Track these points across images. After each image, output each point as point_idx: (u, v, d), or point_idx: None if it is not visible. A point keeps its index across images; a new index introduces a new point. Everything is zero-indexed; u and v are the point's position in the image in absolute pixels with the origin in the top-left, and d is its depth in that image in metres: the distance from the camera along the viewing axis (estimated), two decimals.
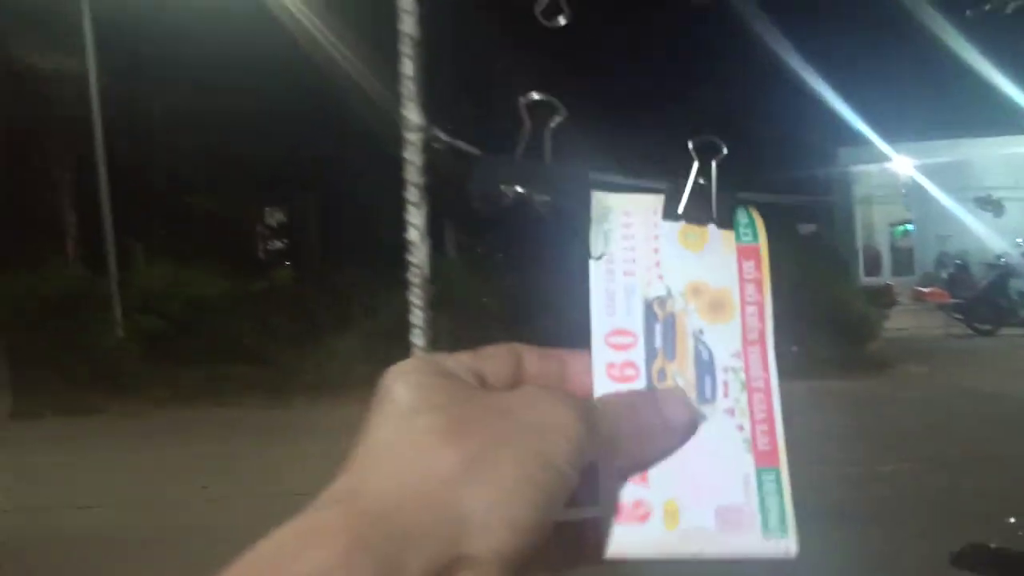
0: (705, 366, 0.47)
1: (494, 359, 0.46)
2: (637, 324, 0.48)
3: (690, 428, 0.46)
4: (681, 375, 0.47)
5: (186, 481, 6.43)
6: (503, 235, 14.42)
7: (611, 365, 0.47)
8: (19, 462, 7.42)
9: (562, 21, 0.62)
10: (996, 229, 17.05)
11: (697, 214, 0.51)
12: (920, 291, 15.74)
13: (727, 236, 0.51)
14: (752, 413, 0.46)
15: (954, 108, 14.39)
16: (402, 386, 0.41)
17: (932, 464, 5.99)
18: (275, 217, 18.59)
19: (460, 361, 0.45)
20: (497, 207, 0.60)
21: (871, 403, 9.03)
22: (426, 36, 0.88)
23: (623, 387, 0.46)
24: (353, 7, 11.28)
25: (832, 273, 12.86)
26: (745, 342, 0.48)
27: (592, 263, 0.50)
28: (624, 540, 0.44)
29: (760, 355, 0.48)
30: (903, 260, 21.85)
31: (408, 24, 0.86)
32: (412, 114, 0.84)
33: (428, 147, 0.86)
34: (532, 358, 0.48)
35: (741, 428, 0.46)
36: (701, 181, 0.52)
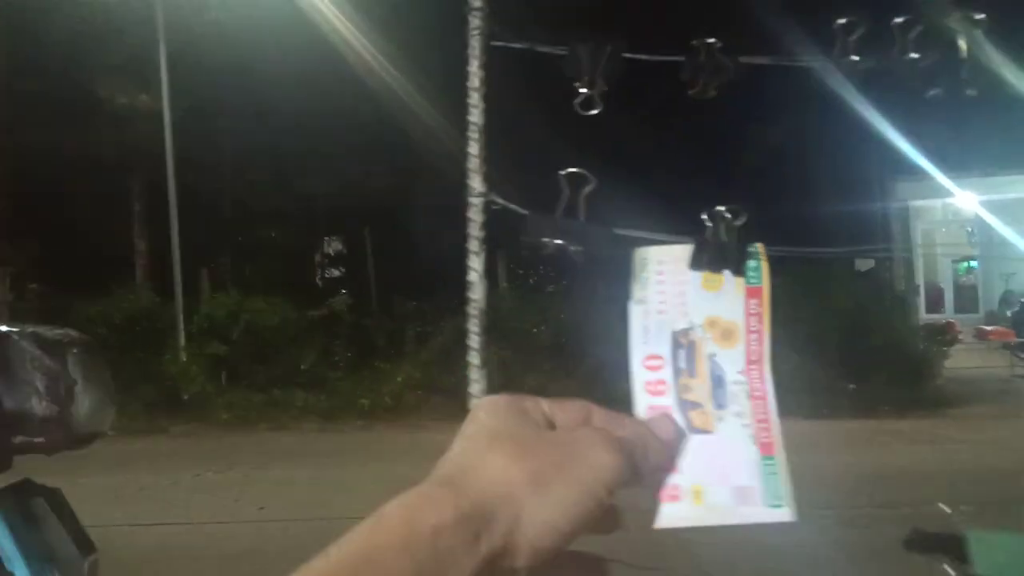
0: (718, 381, 0.62)
1: (566, 409, 0.58)
2: (666, 350, 0.63)
3: (679, 438, 0.60)
4: (701, 389, 0.62)
5: (246, 503, 6.61)
6: (554, 270, 14.65)
7: (648, 382, 0.62)
8: (74, 482, 7.67)
9: (595, 111, 0.77)
10: None
11: (717, 263, 0.67)
12: (983, 329, 15.38)
13: (738, 280, 0.66)
14: (755, 414, 0.62)
15: (1020, 142, 14.08)
16: (486, 414, 0.55)
17: (987, 512, 5.87)
18: (333, 246, 19.02)
19: (537, 403, 0.57)
20: (541, 254, 0.75)
21: (927, 442, 8.84)
22: (488, 122, 1.04)
23: (654, 400, 0.62)
24: (423, 52, 11.64)
25: (891, 309, 12.65)
26: (748, 362, 0.63)
27: (631, 305, 0.65)
28: (665, 514, 0.59)
29: (759, 372, 0.63)
30: (967, 297, 21.34)
31: (475, 115, 1.04)
32: (475, 183, 1.01)
33: (487, 208, 1.02)
34: (600, 415, 0.58)
35: (747, 426, 0.61)
36: (724, 237, 0.71)
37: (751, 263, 0.67)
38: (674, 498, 0.59)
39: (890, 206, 16.88)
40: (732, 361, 0.63)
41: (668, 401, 0.62)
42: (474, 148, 1.04)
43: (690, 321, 0.64)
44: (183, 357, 11.81)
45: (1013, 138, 14.01)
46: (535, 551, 0.50)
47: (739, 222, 0.68)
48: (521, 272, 15.71)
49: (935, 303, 20.93)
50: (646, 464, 0.56)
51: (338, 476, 7.40)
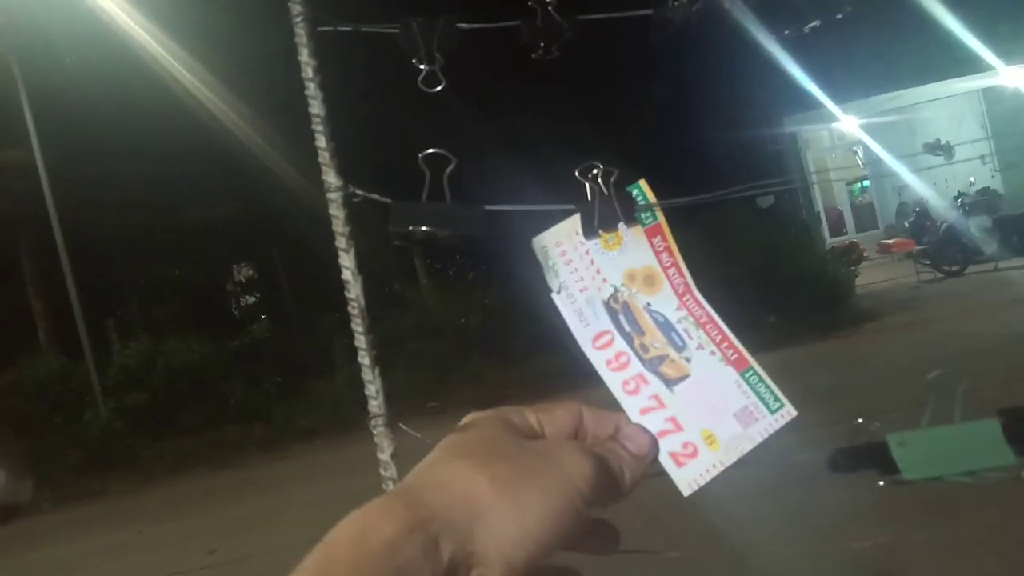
0: (666, 326, 0.62)
1: (555, 417, 0.57)
2: (606, 323, 0.63)
3: (654, 446, 0.58)
4: (656, 341, 0.62)
5: (195, 549, 6.42)
6: (470, 256, 14.60)
7: (608, 361, 0.62)
8: (21, 562, 7.37)
9: (439, 87, 0.76)
10: (949, 171, 17.36)
11: (608, 222, 0.67)
12: (885, 243, 15.99)
13: (635, 228, 0.67)
14: (712, 340, 0.62)
15: (891, 58, 14.63)
16: (464, 428, 0.54)
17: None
18: (244, 273, 18.55)
19: (522, 414, 0.56)
20: (412, 242, 0.72)
21: (854, 360, 9.16)
22: (333, 112, 1.02)
23: (623, 374, 0.61)
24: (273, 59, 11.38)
25: (797, 240, 13.03)
26: (679, 296, 0.64)
27: (555, 297, 0.65)
28: (691, 475, 0.58)
29: (693, 299, 0.64)
30: (865, 216, 22.20)
31: (315, 106, 1.02)
32: (330, 177, 0.98)
33: (348, 201, 1.00)
34: (590, 417, 0.58)
35: (713, 353, 0.61)
36: (606, 193, 0.69)
37: (641, 204, 0.67)
38: (691, 456, 0.59)
39: (780, 141, 17.37)
40: (666, 302, 0.63)
41: (636, 369, 0.61)
42: (321, 141, 1.02)
43: (612, 285, 0.64)
44: (103, 414, 11.38)
45: (886, 58, 14.55)
46: (509, 563, 0.48)
47: (612, 178, 0.66)
48: (439, 267, 15.65)
49: (837, 226, 21.72)
50: (623, 480, 0.55)
51: (287, 503, 7.25)
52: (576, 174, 0.67)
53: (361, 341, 1.02)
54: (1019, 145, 16.89)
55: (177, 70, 12.19)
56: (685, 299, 0.63)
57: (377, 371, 1.00)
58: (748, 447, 0.59)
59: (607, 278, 0.64)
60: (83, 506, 9.46)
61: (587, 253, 0.65)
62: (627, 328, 0.62)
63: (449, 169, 0.71)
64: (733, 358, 0.61)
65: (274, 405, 11.45)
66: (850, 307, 11.86)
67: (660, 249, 0.65)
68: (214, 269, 17.66)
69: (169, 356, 11.74)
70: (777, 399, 0.60)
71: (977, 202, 14.73)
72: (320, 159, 0.97)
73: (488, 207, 0.70)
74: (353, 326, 1.03)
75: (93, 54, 12.42)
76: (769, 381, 0.60)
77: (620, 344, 0.62)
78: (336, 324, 13.09)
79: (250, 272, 18.42)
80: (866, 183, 21.26)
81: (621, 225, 0.66)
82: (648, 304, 0.63)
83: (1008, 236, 13.51)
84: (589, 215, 0.65)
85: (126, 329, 13.75)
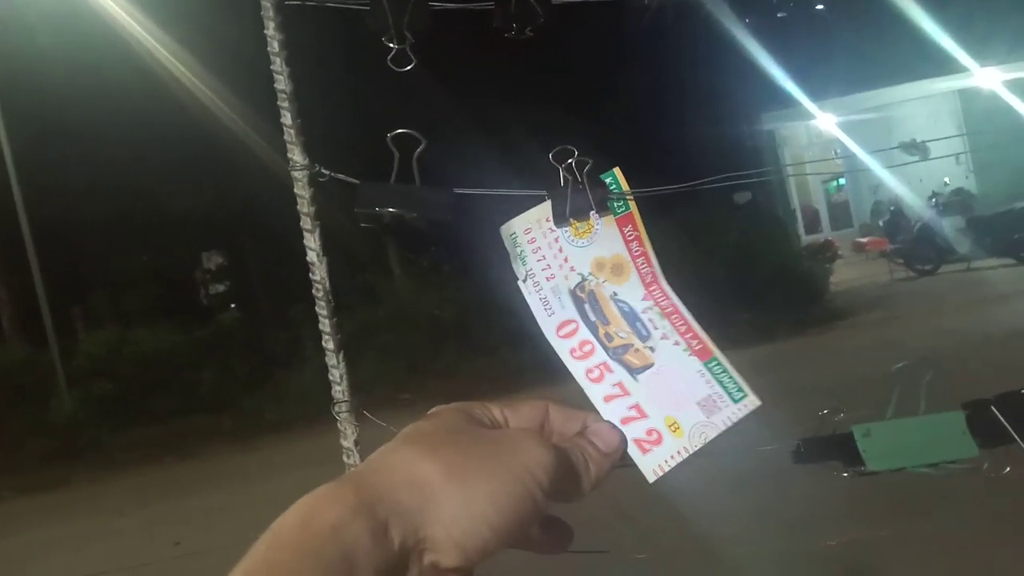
0: (631, 316, 0.61)
1: (520, 412, 0.56)
2: (571, 311, 0.62)
3: (623, 444, 0.57)
4: (621, 330, 0.61)
5: (160, 540, 6.31)
6: (444, 246, 14.45)
7: (572, 350, 0.61)
8: None
9: (410, 66, 0.72)
10: (924, 171, 17.53)
11: (579, 210, 0.64)
12: (859, 242, 16.13)
13: (606, 217, 0.65)
14: (677, 329, 0.61)
15: (868, 58, 14.72)
16: (426, 419, 0.53)
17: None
18: (213, 260, 18.31)
19: (487, 409, 0.55)
20: (380, 226, 0.67)
21: (827, 356, 9.21)
22: (299, 87, 1.02)
23: (587, 363, 0.60)
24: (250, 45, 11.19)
25: (773, 237, 13.09)
26: (646, 286, 0.63)
27: (521, 285, 0.64)
28: (655, 462, 0.58)
29: (660, 289, 0.63)
30: (841, 214, 22.37)
31: (281, 82, 1.01)
32: (296, 155, 0.95)
33: (314, 181, 0.96)
34: (557, 414, 0.56)
35: (677, 344, 0.61)
36: (579, 182, 0.66)
37: (614, 192, 0.65)
38: (656, 443, 0.58)
39: (757, 137, 17.44)
40: (633, 291, 0.63)
41: (600, 358, 0.61)
42: (287, 117, 1.00)
43: (579, 274, 0.63)
44: (68, 403, 11.19)
45: (863, 57, 14.64)
46: (463, 549, 0.47)
47: (587, 168, 0.64)
48: (413, 257, 15.53)
49: (812, 224, 21.88)
50: (586, 475, 0.54)
51: (254, 495, 7.14)
52: (550, 158, 0.64)
53: (325, 325, 0.99)
54: (993, 146, 17.09)
55: (150, 52, 11.96)
56: (652, 289, 0.63)
57: (342, 356, 0.98)
58: (712, 434, 0.59)
59: (575, 266, 0.64)
60: (46, 495, 9.29)
61: (556, 241, 0.64)
62: (592, 317, 0.62)
63: (419, 151, 0.68)
64: (697, 348, 0.61)
65: (242, 395, 11.32)
66: (824, 304, 11.95)
67: (631, 238, 0.64)
68: (184, 257, 17.44)
69: (136, 344, 11.58)
70: (740, 389, 0.59)
71: (951, 202, 14.89)
72: (286, 136, 0.94)
73: (458, 190, 0.66)
74: (317, 309, 1.00)
75: (64, 33, 12.17)
76: (733, 371, 0.60)
77: (585, 333, 0.61)
78: (305, 314, 12.95)
79: (220, 260, 18.20)
80: (842, 181, 21.42)
81: (593, 214, 0.64)
82: (615, 293, 0.63)
83: (981, 236, 13.66)
84: (561, 202, 0.64)
85: (93, 317, 13.53)
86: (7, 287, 13.82)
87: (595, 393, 0.59)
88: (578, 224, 0.64)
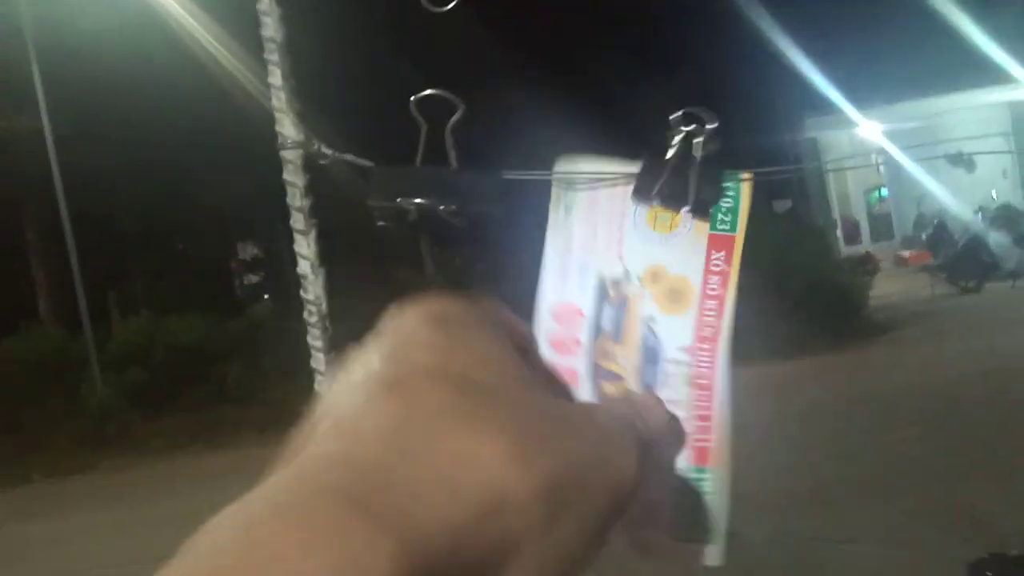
0: (651, 355, 0.46)
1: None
2: (587, 301, 0.47)
3: (665, 426, 0.43)
4: (625, 358, 0.46)
5: (187, 532, 6.27)
6: (479, 244, 14.34)
7: (553, 336, 0.46)
8: (6, 529, 7.26)
9: (451, 3, 0.53)
10: (970, 184, 17.12)
11: (672, 197, 0.47)
12: (901, 255, 15.77)
13: (700, 224, 0.48)
14: (692, 408, 0.45)
15: (916, 66, 14.39)
16: (439, 326, 0.32)
17: (933, 429, 5.92)
18: (248, 252, 18.38)
19: (509, 316, 0.39)
20: (402, 222, 0.51)
21: (866, 371, 8.97)
22: (298, 38, 0.78)
23: (559, 357, 0.45)
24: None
25: (812, 247, 12.83)
26: (698, 337, 0.46)
27: (549, 234, 0.48)
28: None
29: (711, 353, 0.46)
30: (882, 226, 21.91)
31: (270, 27, 0.77)
32: (287, 129, 0.74)
33: (311, 164, 0.76)
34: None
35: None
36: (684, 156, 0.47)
37: (726, 200, 0.48)
38: None
39: (799, 144, 17.16)
40: (676, 331, 0.46)
41: (577, 364, 0.45)
42: (276, 76, 0.76)
43: (625, 269, 0.47)
44: (100, 388, 11.27)
45: (911, 65, 14.32)
46: None
47: (702, 138, 0.46)
48: (445, 254, 15.43)
49: (852, 235, 21.45)
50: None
51: None
52: (669, 121, 0.47)
53: (318, 360, 0.79)
54: None
55: (193, 37, 11.97)
56: (702, 346, 0.46)
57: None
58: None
59: (624, 258, 0.47)
60: (75, 480, 9.36)
61: (622, 214, 0.48)
62: (605, 324, 0.46)
63: (455, 119, 0.50)
64: (699, 443, 0.44)
65: (273, 387, 11.31)
66: (863, 318, 11.66)
67: (715, 269, 0.47)
68: (220, 247, 17.53)
69: (169, 333, 11.63)
70: (704, 529, 0.43)
71: (998, 217, 14.47)
72: (273, 101, 0.73)
73: (508, 174, 0.48)
74: (310, 339, 0.80)
75: (107, 18, 12.24)
76: (721, 502, 0.44)
77: (582, 330, 0.46)
78: (340, 308, 12.93)
79: (255, 251, 18.27)
80: (884, 192, 20.97)
81: (686, 210, 0.47)
82: (651, 319, 0.46)
83: None
84: (653, 175, 0.47)
85: (128, 304, 13.63)
86: (45, 272, 13.97)
87: None
88: (660, 212, 0.48)
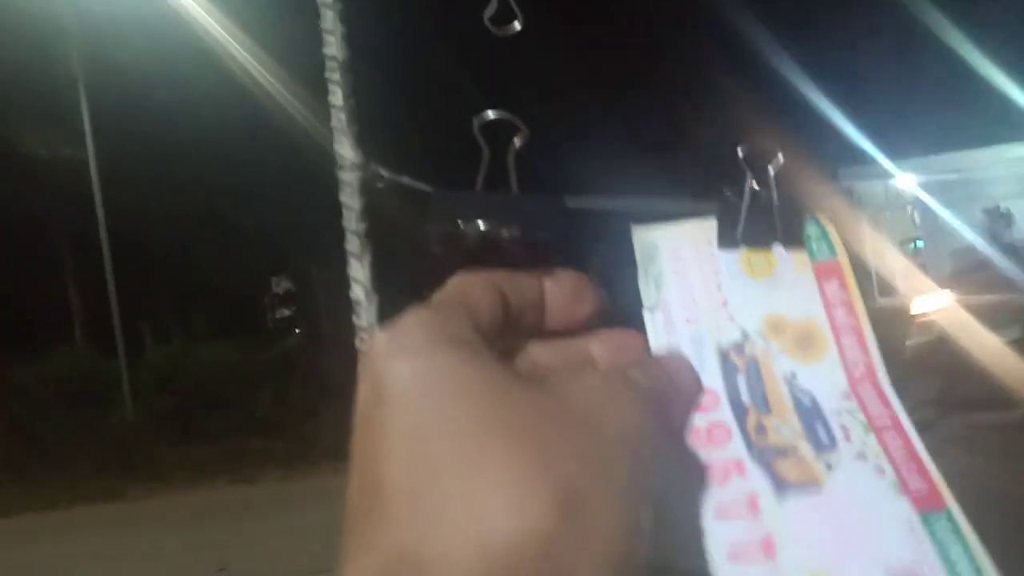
0: (811, 412, 0.39)
1: (480, 305, 0.35)
2: (715, 380, 0.40)
3: (698, 392, 0.39)
4: (785, 425, 0.39)
5: (205, 564, 6.25)
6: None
7: (696, 429, 0.39)
8: (29, 554, 7.27)
9: (516, 28, 0.49)
10: (1007, 239, 16.89)
11: (759, 236, 0.43)
12: None
13: (799, 255, 0.43)
14: (889, 454, 0.38)
15: (954, 119, 14.33)
16: (412, 374, 0.30)
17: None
18: (282, 286, 18.56)
19: (463, 322, 0.33)
20: (461, 249, 0.48)
21: None
22: (361, 59, 0.77)
23: (710, 451, 0.38)
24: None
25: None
26: (852, 379, 0.40)
27: (647, 315, 0.42)
28: None
29: (875, 391, 0.40)
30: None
31: (332, 46, 0.76)
32: (345, 150, 0.71)
33: (368, 187, 0.74)
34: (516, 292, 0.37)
35: (881, 472, 0.37)
36: (757, 189, 0.44)
37: (811, 227, 0.44)
38: None
39: (835, 194, 17.09)
40: (825, 380, 0.40)
41: (734, 451, 0.38)
42: (337, 95, 0.74)
43: (740, 328, 0.41)
44: (130, 414, 11.35)
45: (947, 117, 14.26)
46: None
47: (775, 166, 0.43)
48: None
49: (888, 286, 21.18)
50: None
51: (303, 524, 7.06)
52: (738, 153, 0.42)
53: None
54: None
55: (237, 61, 12.14)
56: (861, 386, 0.40)
57: None
58: None
59: (735, 317, 0.42)
60: (98, 507, 9.37)
61: (715, 273, 0.43)
62: (745, 396, 0.40)
63: (519, 144, 0.47)
64: (916, 488, 0.37)
65: (299, 421, 11.33)
66: (898, 366, 11.51)
67: (836, 301, 0.42)
68: (253, 278, 17.71)
69: (200, 362, 11.72)
70: (978, 571, 0.35)
71: None
72: (333, 122, 0.70)
73: (572, 202, 0.46)
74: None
75: (155, 43, 12.52)
76: (976, 545, 0.35)
77: (723, 413, 0.39)
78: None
79: (288, 285, 18.44)
80: (920, 244, 20.75)
81: (777, 246, 0.43)
82: (793, 375, 0.40)
83: None
84: (732, 217, 0.43)
85: (161, 331, 13.77)
86: (81, 295, 14.20)
87: (703, 494, 0.38)
88: (753, 255, 0.43)
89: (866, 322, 0.42)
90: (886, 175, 17.13)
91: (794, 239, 0.43)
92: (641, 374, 0.35)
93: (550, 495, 0.27)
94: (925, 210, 18.32)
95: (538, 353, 0.38)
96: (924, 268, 21.96)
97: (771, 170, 0.43)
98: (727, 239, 0.43)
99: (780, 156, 0.43)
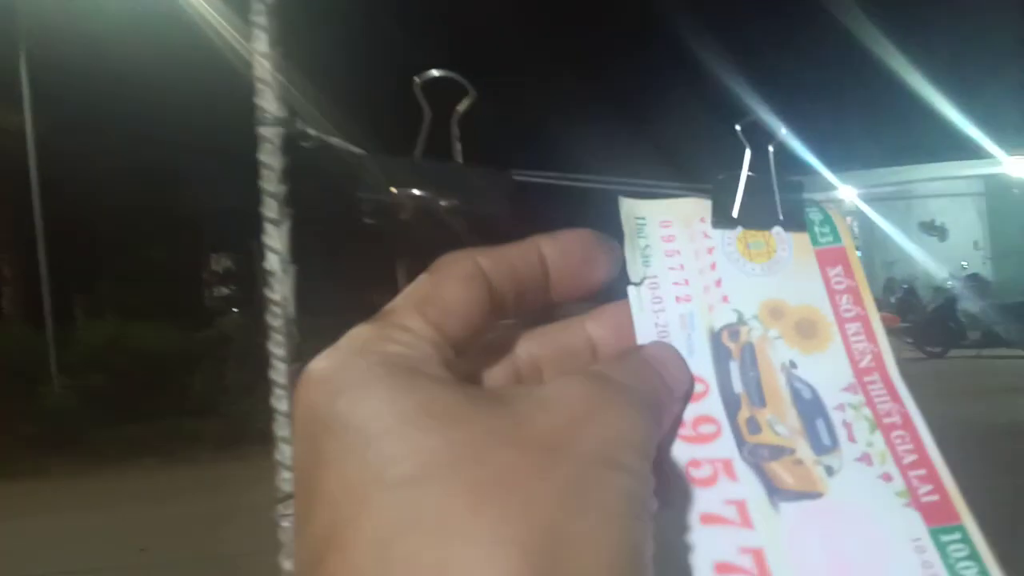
0: (811, 407, 0.35)
1: (456, 310, 0.30)
2: (705, 365, 0.36)
3: (690, 390, 0.35)
4: (782, 422, 0.35)
5: (126, 545, 6.10)
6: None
7: (682, 424, 0.35)
8: None
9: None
10: (941, 253, 17.42)
11: (758, 216, 0.40)
12: None
13: (800, 239, 0.40)
14: (897, 457, 0.34)
15: (895, 136, 14.72)
16: (367, 409, 0.25)
17: None
18: (221, 263, 18.19)
19: (415, 335, 0.28)
20: (394, 220, 0.45)
21: None
22: (294, 4, 0.69)
23: (695, 448, 0.34)
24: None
25: None
26: (858, 370, 0.37)
27: (632, 290, 0.38)
28: None
29: (884, 384, 0.37)
30: None
31: None
32: (268, 102, 0.66)
33: (292, 146, 0.69)
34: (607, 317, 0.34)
35: (888, 478, 0.33)
36: (752, 174, 0.41)
37: (812, 210, 0.41)
38: None
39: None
40: (828, 371, 0.37)
41: (723, 450, 0.34)
42: (261, 41, 0.67)
43: (736, 311, 0.38)
44: (58, 390, 11.03)
45: (891, 133, 14.63)
46: None
47: (772, 144, 0.40)
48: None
49: None
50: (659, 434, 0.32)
51: (230, 507, 6.93)
52: (738, 130, 0.40)
53: (279, 371, 0.71)
54: (1014, 232, 16.98)
55: (186, 34, 11.84)
56: (869, 379, 0.37)
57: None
58: None
59: (730, 297, 0.38)
60: (23, 483, 9.11)
61: (709, 252, 0.39)
62: (737, 385, 0.36)
63: (464, 107, 0.44)
64: (927, 498, 0.33)
65: (234, 402, 11.12)
66: None
67: (840, 287, 0.39)
68: (193, 256, 17.34)
69: (134, 339, 11.43)
70: None
71: (967, 287, 14.72)
72: (256, 70, 0.64)
73: (519, 175, 0.42)
74: (270, 346, 0.71)
75: (103, 21, 12.16)
76: (991, 562, 0.31)
77: (712, 404, 0.35)
78: (308, 327, 12.82)
79: (228, 263, 18.08)
80: (857, 254, 21.35)
81: (778, 229, 0.40)
82: (792, 364, 0.37)
83: (994, 324, 13.49)
84: (728, 195, 0.40)
85: (96, 307, 13.41)
86: (12, 266, 13.74)
87: (688, 500, 0.34)
88: (751, 237, 0.40)
89: (874, 311, 0.39)
90: (828, 187, 17.55)
91: (795, 222, 0.40)
92: (630, 372, 0.31)
93: (518, 550, 0.23)
94: (864, 221, 18.81)
95: (531, 343, 0.34)
96: None
97: (771, 149, 0.41)
98: (722, 218, 0.40)
99: (782, 132, 0.42)
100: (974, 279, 15.35)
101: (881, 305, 13.92)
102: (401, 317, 0.29)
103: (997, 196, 17.40)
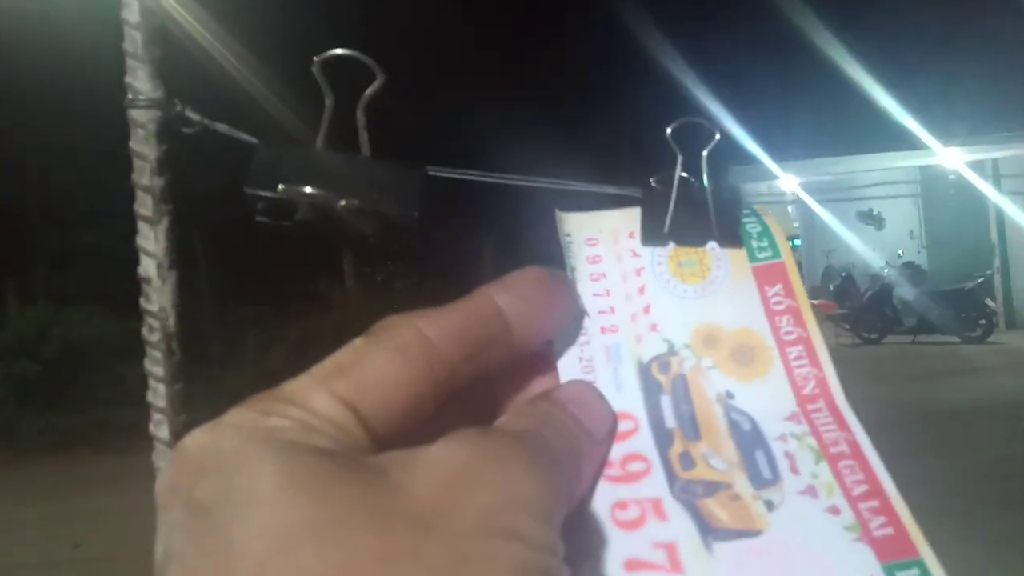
0: (750, 438, 0.32)
1: (377, 384, 0.26)
2: (634, 401, 0.33)
3: (613, 430, 0.32)
4: (717, 455, 0.32)
5: (59, 539, 5.93)
6: (406, 260, 14.07)
7: (608, 464, 0.31)
8: None
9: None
10: (878, 241, 17.85)
11: (691, 231, 0.36)
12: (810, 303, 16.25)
13: (736, 256, 0.37)
14: (846, 489, 0.31)
15: (835, 126, 15.00)
16: (224, 490, 0.23)
17: None
18: None
19: (306, 410, 0.26)
20: (288, 219, 0.40)
21: None
22: None
23: (621, 488, 0.30)
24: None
25: None
26: (801, 397, 0.34)
27: None
28: None
29: (830, 411, 0.34)
30: None
31: None
32: (140, 81, 0.57)
33: (169, 129, 0.61)
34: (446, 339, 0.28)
35: (836, 511, 0.30)
36: (686, 177, 0.37)
37: (750, 221, 0.37)
38: None
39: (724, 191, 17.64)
40: (768, 400, 0.34)
41: (652, 488, 0.31)
42: (132, 11, 0.57)
43: (666, 341, 0.35)
44: None
45: (831, 123, 14.91)
46: None
47: (706, 150, 0.36)
48: (368, 270, 15.09)
49: None
50: (575, 481, 0.28)
51: None
52: (668, 135, 0.36)
53: (160, 394, 0.64)
54: (948, 222, 17.47)
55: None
56: (813, 407, 0.34)
57: (182, 421, 0.60)
58: None
59: (659, 325, 0.35)
60: None
61: (638, 273, 0.36)
62: (668, 420, 0.32)
63: (371, 91, 0.39)
64: (880, 532, 0.29)
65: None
66: None
67: (779, 308, 0.35)
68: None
69: (67, 327, 11.09)
70: None
71: (902, 275, 15.11)
72: (125, 44, 0.54)
73: (434, 172, 0.37)
74: (147, 364, 0.64)
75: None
76: None
77: (642, 441, 0.32)
78: (253, 316, 12.54)
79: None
80: (796, 242, 21.70)
81: (713, 245, 0.37)
82: (729, 394, 0.33)
83: (928, 311, 13.89)
84: (658, 208, 0.36)
85: (28, 293, 12.98)
86: None
87: (610, 547, 0.29)
88: (682, 254, 0.36)
89: (816, 332, 0.36)
90: (771, 176, 17.83)
91: (731, 236, 0.37)
92: (536, 421, 0.28)
93: None
94: (804, 209, 19.16)
95: (494, 396, 0.31)
96: (799, 265, 22.99)
97: (704, 154, 0.37)
98: (652, 234, 0.36)
99: (716, 136, 0.38)
100: (909, 267, 15.77)
101: (819, 292, 14.25)
102: (297, 391, 0.27)
103: (931, 187, 17.87)
